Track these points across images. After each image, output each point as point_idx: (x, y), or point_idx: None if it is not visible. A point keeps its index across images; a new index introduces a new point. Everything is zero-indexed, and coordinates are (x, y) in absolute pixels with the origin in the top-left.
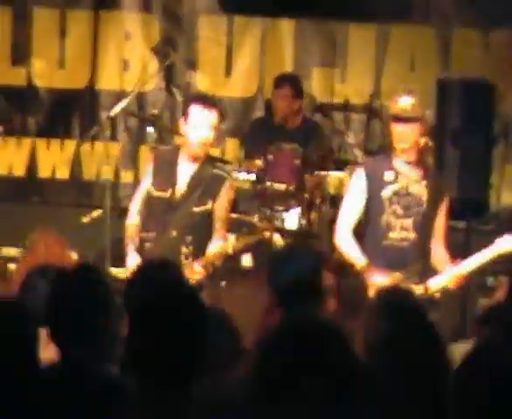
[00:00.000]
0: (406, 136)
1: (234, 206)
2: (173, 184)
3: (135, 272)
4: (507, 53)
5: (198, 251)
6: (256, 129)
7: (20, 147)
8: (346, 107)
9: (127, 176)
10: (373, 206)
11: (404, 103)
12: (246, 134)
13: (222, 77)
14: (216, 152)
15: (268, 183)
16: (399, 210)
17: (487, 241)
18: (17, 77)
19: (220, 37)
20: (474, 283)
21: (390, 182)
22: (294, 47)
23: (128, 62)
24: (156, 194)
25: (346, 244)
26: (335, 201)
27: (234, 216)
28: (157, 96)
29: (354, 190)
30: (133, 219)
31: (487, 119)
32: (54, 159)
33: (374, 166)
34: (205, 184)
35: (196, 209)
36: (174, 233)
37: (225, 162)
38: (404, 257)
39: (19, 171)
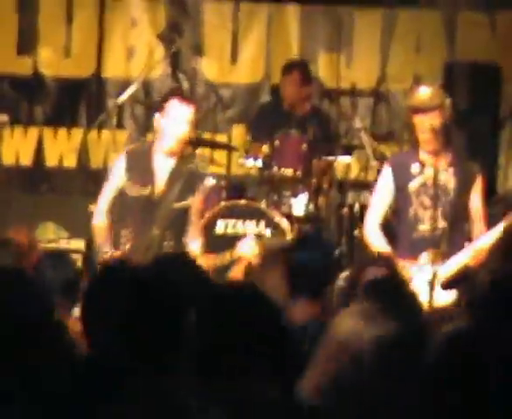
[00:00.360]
0: (427, 126)
1: (242, 192)
2: (151, 181)
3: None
4: None
5: (178, 246)
6: (264, 114)
7: (27, 136)
8: (353, 92)
9: None
10: (401, 199)
11: (423, 93)
12: (254, 119)
13: (228, 63)
14: (223, 138)
15: (275, 169)
16: (427, 201)
17: (494, 222)
18: (24, 66)
19: (226, 23)
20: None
21: (417, 175)
22: (299, 32)
23: (134, 49)
24: (134, 191)
25: (373, 237)
26: (343, 186)
27: (242, 202)
28: (164, 83)
29: (381, 187)
30: (101, 219)
31: (495, 101)
32: (61, 147)
33: (400, 160)
34: (185, 180)
35: (176, 205)
36: (156, 230)
37: (222, 146)
38: (434, 246)
39: (27, 160)
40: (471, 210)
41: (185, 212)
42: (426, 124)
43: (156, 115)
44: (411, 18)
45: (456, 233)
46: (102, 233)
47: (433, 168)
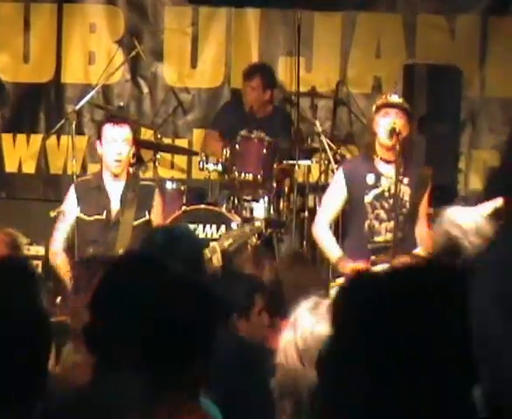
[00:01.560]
0: (392, 125)
1: (202, 197)
2: (106, 207)
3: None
4: (472, 39)
5: None
6: (227, 113)
7: None
8: (313, 95)
9: (94, 170)
10: (356, 211)
11: (394, 97)
12: (215, 119)
13: (188, 67)
14: (183, 143)
15: (236, 173)
16: (383, 214)
17: None
18: None
19: (185, 28)
20: None
21: (373, 186)
22: (259, 36)
23: (93, 54)
24: (90, 219)
25: (323, 236)
26: (304, 189)
27: (203, 206)
28: (123, 88)
29: (333, 190)
30: (60, 258)
31: (455, 104)
32: (20, 153)
33: (355, 168)
34: (138, 198)
35: (135, 223)
36: (121, 251)
37: (191, 153)
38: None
39: None
40: (419, 213)
41: (146, 226)
42: (397, 123)
43: (97, 144)
44: (370, 22)
45: (409, 238)
46: (65, 268)
47: (390, 180)
